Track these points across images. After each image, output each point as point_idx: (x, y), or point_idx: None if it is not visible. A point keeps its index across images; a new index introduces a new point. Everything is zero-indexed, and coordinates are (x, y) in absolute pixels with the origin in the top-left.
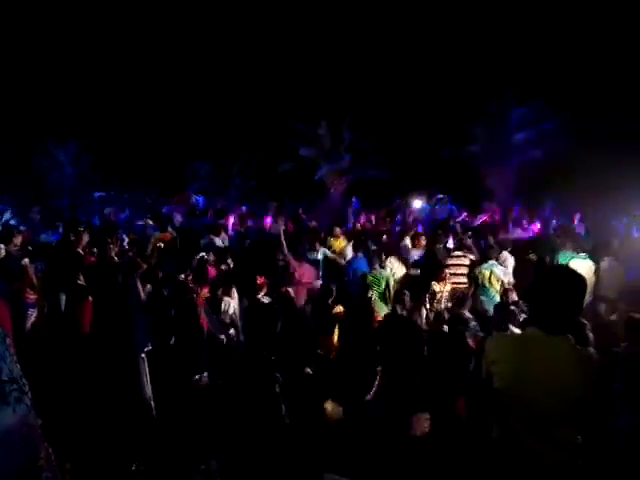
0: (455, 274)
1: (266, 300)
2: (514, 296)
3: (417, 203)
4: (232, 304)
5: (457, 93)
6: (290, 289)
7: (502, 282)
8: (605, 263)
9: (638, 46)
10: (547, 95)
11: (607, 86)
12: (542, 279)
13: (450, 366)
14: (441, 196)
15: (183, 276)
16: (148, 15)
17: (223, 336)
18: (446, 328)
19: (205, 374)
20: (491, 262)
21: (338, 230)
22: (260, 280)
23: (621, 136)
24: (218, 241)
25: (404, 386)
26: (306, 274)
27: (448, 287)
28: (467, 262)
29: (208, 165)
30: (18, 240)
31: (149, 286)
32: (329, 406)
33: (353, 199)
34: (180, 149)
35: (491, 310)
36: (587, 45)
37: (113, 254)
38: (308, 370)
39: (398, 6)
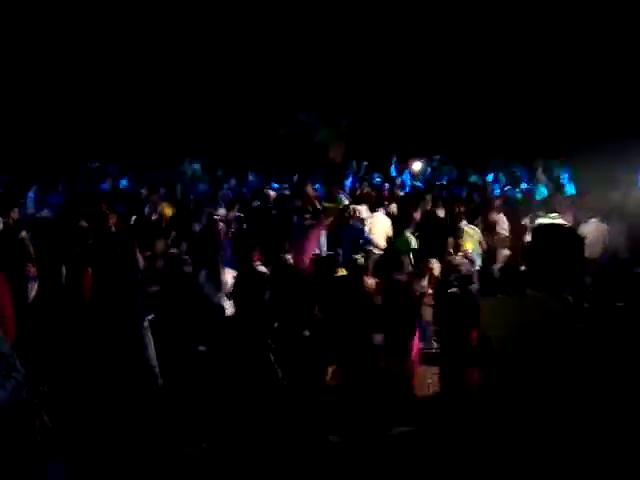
0: None
1: (262, 269)
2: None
3: (416, 165)
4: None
5: (452, 53)
6: (288, 257)
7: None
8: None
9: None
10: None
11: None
12: (537, 238)
13: (463, 328)
14: (438, 157)
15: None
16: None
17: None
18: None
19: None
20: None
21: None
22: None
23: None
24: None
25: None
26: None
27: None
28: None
29: (205, 134)
30: (15, 214)
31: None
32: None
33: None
34: (177, 120)
35: None
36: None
37: (111, 224)
38: (306, 332)
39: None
